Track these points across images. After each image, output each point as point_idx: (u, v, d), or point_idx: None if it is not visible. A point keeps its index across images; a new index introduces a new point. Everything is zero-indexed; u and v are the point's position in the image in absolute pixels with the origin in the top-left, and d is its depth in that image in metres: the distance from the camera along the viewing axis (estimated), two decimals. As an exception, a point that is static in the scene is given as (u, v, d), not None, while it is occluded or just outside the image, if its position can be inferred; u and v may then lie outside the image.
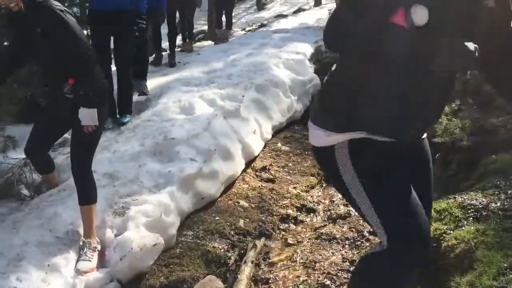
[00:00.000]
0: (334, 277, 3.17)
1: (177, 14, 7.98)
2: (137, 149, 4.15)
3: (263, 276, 3.27)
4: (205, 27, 14.21)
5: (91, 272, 3.01)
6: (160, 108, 4.92)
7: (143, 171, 3.87)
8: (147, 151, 4.13)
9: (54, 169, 3.73)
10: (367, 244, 3.49)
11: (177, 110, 4.85)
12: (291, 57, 6.46)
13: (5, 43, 4.48)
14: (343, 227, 3.79)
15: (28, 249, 3.00)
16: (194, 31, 9.64)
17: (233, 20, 10.99)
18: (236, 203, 4.08)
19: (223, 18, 9.88)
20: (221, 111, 4.73)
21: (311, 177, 4.69)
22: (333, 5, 10.59)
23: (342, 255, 3.42)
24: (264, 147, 5.00)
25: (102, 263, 3.18)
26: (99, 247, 3.18)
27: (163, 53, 7.64)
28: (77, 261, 3.04)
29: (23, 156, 3.98)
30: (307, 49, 6.92)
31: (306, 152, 5.16)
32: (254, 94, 5.29)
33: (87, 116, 2.98)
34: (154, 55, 7.46)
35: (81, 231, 3.24)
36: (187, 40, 8.69)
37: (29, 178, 3.90)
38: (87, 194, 3.17)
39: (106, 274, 3.09)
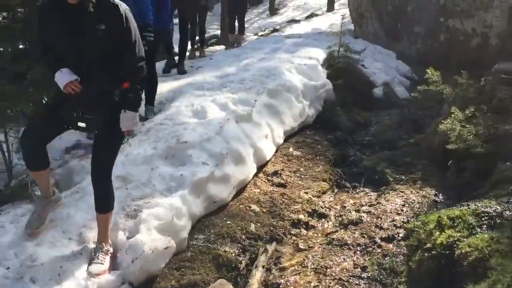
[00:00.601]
0: (346, 283, 3.15)
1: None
2: (149, 152, 4.18)
3: (274, 281, 3.27)
4: (218, 32, 14.30)
5: (103, 275, 3.03)
6: (173, 112, 4.95)
7: (156, 174, 3.89)
8: (159, 154, 4.15)
9: (49, 166, 3.21)
10: (379, 251, 3.47)
11: (189, 114, 4.87)
12: (304, 62, 6.46)
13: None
14: (354, 233, 3.77)
15: (41, 250, 3.02)
16: (206, 35, 9.68)
17: (246, 25, 11.04)
18: (247, 208, 4.08)
19: (236, 23, 9.93)
20: (233, 115, 4.74)
21: (323, 182, 4.68)
22: (346, 11, 10.56)
23: (353, 261, 3.40)
24: (276, 151, 5.00)
25: (114, 265, 3.20)
26: (111, 250, 3.20)
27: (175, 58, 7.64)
28: (90, 264, 3.06)
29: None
30: (320, 54, 6.92)
31: (318, 157, 5.15)
32: (266, 99, 5.29)
33: (132, 119, 2.95)
34: (166, 60, 7.49)
35: (93, 233, 3.26)
36: (198, 46, 8.68)
37: (43, 180, 3.92)
38: (109, 202, 3.15)
39: (118, 277, 3.10)
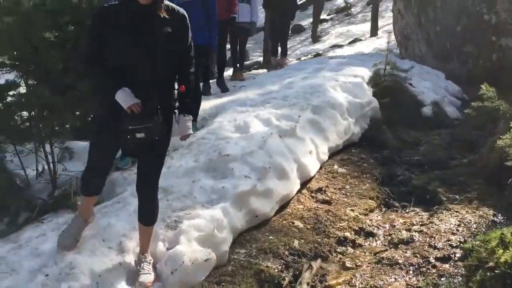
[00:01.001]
0: (398, 304, 2.91)
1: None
2: (191, 165, 4.11)
3: (319, 299, 3.07)
4: (260, 58, 14.34)
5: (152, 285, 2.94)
6: (215, 127, 4.89)
7: (197, 186, 3.81)
8: (201, 167, 4.08)
9: (101, 192, 3.22)
10: (434, 271, 3.22)
11: (232, 129, 4.80)
12: (349, 80, 6.31)
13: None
14: (406, 252, 3.53)
15: (81, 258, 2.96)
16: (248, 62, 9.61)
17: (288, 52, 10.99)
18: (290, 223, 3.92)
19: (278, 47, 9.92)
20: (276, 130, 4.63)
21: (370, 200, 4.46)
22: (392, 37, 10.20)
23: (406, 281, 3.16)
24: (320, 168, 4.83)
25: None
26: (152, 260, 3.11)
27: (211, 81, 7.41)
28: (138, 275, 2.97)
29: (81, 169, 4.05)
30: (365, 72, 6.75)
31: (364, 175, 4.94)
32: (310, 115, 5.16)
33: (189, 124, 2.92)
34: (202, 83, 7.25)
35: (133, 243, 3.18)
36: (237, 68, 8.44)
37: (86, 191, 3.91)
38: (155, 214, 3.09)
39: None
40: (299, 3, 17.72)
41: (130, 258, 3.10)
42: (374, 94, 6.28)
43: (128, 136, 2.74)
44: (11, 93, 4.03)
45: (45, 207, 3.77)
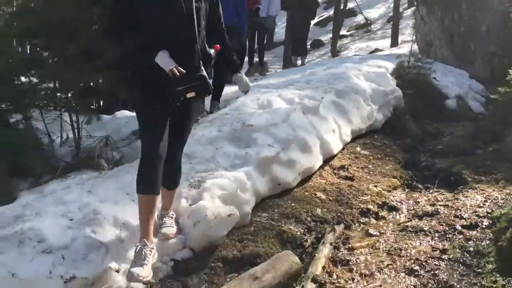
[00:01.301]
0: (424, 263, 2.84)
1: None
2: (214, 134, 4.11)
3: (342, 258, 3.01)
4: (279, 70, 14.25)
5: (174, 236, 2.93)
6: (238, 105, 4.90)
7: (220, 153, 3.80)
8: (224, 136, 4.07)
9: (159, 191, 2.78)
10: (460, 237, 3.14)
11: (255, 106, 4.79)
12: (372, 70, 6.28)
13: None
14: (431, 222, 3.45)
15: (104, 207, 2.96)
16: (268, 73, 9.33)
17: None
18: (313, 195, 3.87)
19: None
20: (300, 107, 4.61)
21: (393, 179, 4.40)
22: (414, 47, 9.96)
23: (431, 245, 3.09)
24: (342, 149, 4.78)
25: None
26: (174, 215, 3.10)
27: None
28: (161, 227, 2.96)
29: (104, 134, 4.10)
30: (389, 65, 6.71)
31: (387, 158, 4.88)
32: (333, 97, 5.14)
33: (247, 79, 3.04)
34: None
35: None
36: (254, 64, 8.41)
37: (109, 155, 3.95)
38: (179, 179, 3.04)
39: (179, 240, 2.98)
40: (318, 19, 17.79)
41: (157, 214, 3.09)
42: (397, 86, 6.22)
43: (180, 98, 2.59)
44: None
45: (69, 167, 3.81)
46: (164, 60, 2.58)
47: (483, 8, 8.17)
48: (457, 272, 2.72)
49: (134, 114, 4.58)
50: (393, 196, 4.10)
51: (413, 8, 13.95)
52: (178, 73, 2.53)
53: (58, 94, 4.22)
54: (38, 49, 4.25)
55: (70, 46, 3.78)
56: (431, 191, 4.31)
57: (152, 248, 2.66)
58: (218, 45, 2.87)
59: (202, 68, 2.67)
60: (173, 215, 3.08)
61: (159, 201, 2.85)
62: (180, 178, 3.05)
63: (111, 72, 4.13)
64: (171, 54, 2.59)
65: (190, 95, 2.61)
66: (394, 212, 3.83)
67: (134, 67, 2.77)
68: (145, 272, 2.52)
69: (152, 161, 2.66)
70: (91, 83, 4.23)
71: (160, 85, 2.59)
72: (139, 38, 2.64)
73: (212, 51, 2.82)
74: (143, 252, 2.59)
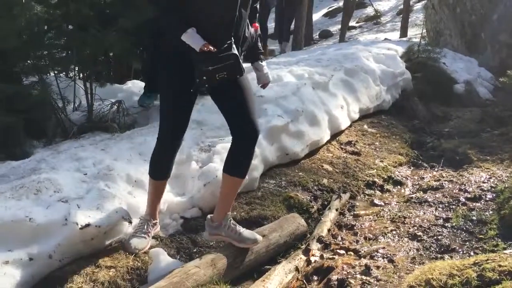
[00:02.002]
0: (427, 229, 2.92)
1: None
2: (225, 104, 4.16)
3: (347, 223, 3.09)
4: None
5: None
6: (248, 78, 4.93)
7: (230, 121, 3.86)
8: (235, 106, 4.12)
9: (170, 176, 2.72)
10: (464, 208, 3.20)
11: (265, 80, 4.83)
12: (382, 52, 6.30)
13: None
14: (435, 194, 3.52)
15: (118, 164, 3.04)
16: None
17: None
18: (320, 166, 3.94)
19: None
20: (310, 82, 4.66)
21: (399, 156, 4.46)
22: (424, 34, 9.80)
23: (435, 215, 3.16)
24: (350, 126, 4.84)
25: (184, 191, 3.16)
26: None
27: None
28: None
29: (117, 99, 4.17)
30: (399, 48, 6.74)
31: (394, 136, 4.94)
32: (343, 75, 5.18)
33: (268, 71, 2.77)
34: None
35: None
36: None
37: (122, 120, 4.02)
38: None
39: (188, 199, 3.07)
40: (328, 10, 17.61)
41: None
42: (406, 69, 6.25)
43: (210, 80, 2.36)
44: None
45: (82, 129, 3.87)
46: (193, 37, 2.35)
47: (495, -4, 8.17)
48: (460, 238, 2.79)
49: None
50: (399, 172, 4.16)
51: (423, 1, 13.86)
52: (210, 50, 2.30)
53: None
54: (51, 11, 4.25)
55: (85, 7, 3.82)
56: (436, 169, 4.36)
57: (155, 224, 2.67)
58: (256, 24, 2.65)
59: (234, 46, 2.39)
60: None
61: None
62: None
63: (124, 40, 4.17)
64: (208, 34, 2.35)
65: (220, 75, 2.36)
66: (399, 186, 3.90)
67: (168, 47, 2.53)
68: (142, 244, 2.55)
69: (166, 148, 2.61)
70: (105, 50, 4.27)
71: (189, 70, 2.40)
72: (183, 14, 2.39)
73: (251, 29, 2.60)
74: (146, 225, 2.62)
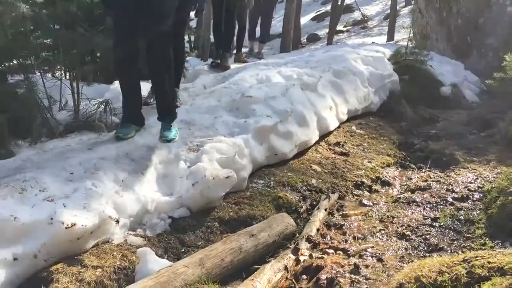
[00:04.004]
0: (415, 229, 2.93)
1: None
2: (213, 104, 4.16)
3: (336, 222, 3.09)
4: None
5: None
6: (237, 79, 4.93)
7: (219, 121, 3.85)
8: (223, 106, 4.12)
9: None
10: (451, 207, 3.22)
11: (254, 81, 4.83)
12: (370, 54, 6.34)
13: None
14: (423, 195, 3.53)
15: (105, 163, 3.00)
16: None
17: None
18: (308, 167, 3.94)
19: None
20: (298, 83, 4.67)
21: (387, 157, 4.47)
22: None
23: (423, 214, 3.17)
24: (338, 127, 4.85)
25: (172, 191, 3.13)
26: None
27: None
28: None
29: (104, 98, 4.12)
30: (386, 51, 6.79)
31: (382, 138, 4.96)
32: (331, 77, 5.19)
33: None
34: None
35: (157, 158, 3.23)
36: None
37: (109, 119, 3.98)
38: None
39: (177, 199, 3.03)
40: (315, 14, 17.62)
41: (151, 171, 3.14)
42: (394, 71, 6.29)
43: None
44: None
45: (68, 129, 3.83)
46: None
47: (482, 1, 8.26)
48: (448, 237, 2.80)
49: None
50: (387, 172, 4.18)
51: (410, 6, 13.97)
52: None
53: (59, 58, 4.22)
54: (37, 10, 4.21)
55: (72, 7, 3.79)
56: (423, 170, 4.38)
57: None
58: None
59: None
60: None
61: None
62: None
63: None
64: None
65: None
66: (387, 187, 3.91)
67: None
68: None
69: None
70: (91, 49, 4.24)
71: None
72: None
73: None
74: None
